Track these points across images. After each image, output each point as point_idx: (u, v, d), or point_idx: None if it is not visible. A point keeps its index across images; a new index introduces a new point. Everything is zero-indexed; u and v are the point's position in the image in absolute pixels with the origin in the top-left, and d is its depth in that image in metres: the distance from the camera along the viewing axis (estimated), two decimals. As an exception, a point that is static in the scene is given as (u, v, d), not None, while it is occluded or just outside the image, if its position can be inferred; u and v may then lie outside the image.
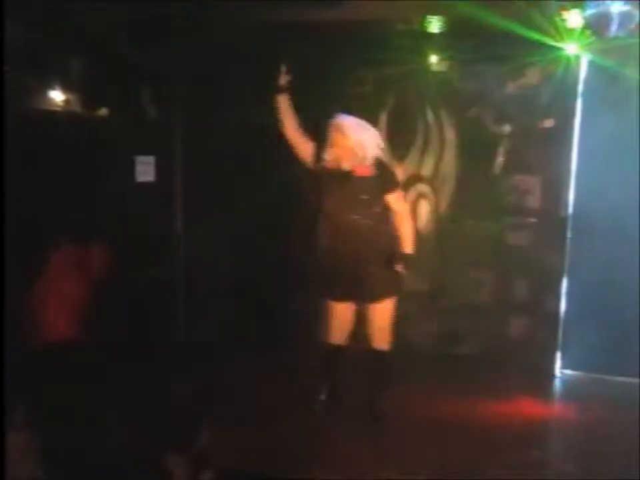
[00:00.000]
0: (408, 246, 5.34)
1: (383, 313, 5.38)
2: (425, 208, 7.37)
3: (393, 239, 5.36)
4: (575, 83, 7.00)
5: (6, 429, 3.78)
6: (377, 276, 5.28)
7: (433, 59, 7.19)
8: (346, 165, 5.22)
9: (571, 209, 6.96)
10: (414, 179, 7.39)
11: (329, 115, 5.37)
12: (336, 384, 5.70)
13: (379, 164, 5.30)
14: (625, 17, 6.65)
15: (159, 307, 6.73)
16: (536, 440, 5.42)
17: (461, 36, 6.84)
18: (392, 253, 5.30)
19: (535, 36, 6.81)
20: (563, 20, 6.77)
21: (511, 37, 6.69)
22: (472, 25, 6.73)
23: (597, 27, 6.75)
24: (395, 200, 5.36)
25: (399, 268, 5.27)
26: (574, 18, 6.76)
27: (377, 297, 5.34)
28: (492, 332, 7.09)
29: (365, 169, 5.23)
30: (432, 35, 6.96)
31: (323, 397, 5.65)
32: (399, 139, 7.33)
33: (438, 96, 7.26)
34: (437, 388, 6.24)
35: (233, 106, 7.16)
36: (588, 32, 6.78)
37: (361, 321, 5.56)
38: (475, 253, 7.17)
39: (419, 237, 7.17)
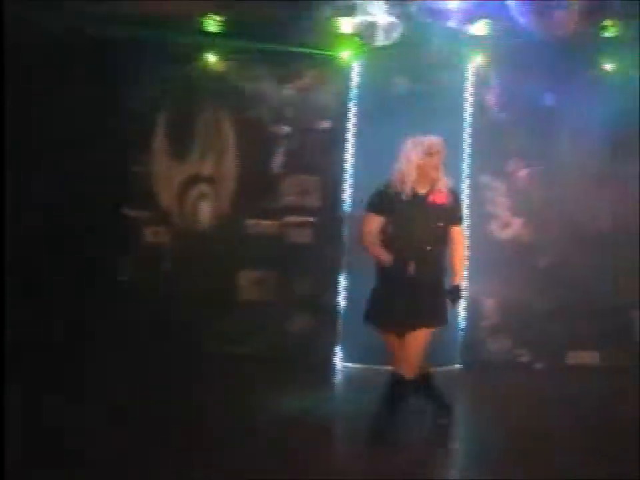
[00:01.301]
0: (460, 278, 5.07)
1: (418, 340, 4.97)
2: (206, 208, 7.34)
3: (446, 270, 5.05)
4: (349, 87, 7.31)
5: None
6: (429, 305, 4.94)
7: (212, 58, 7.19)
8: (421, 189, 4.93)
9: (348, 208, 7.26)
10: (194, 179, 7.35)
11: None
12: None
13: (453, 194, 5.03)
14: (389, 27, 7.03)
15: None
16: (320, 432, 5.53)
17: (239, 37, 6.92)
18: (442, 283, 5.01)
19: (311, 40, 7.04)
20: (336, 27, 7.05)
21: (289, 40, 6.88)
22: (250, 26, 6.85)
23: (365, 34, 7.08)
24: (459, 233, 5.08)
25: (450, 299, 5.01)
26: (345, 25, 7.05)
27: (419, 325, 4.94)
28: (275, 329, 7.19)
29: (441, 196, 4.93)
30: (211, 34, 6.97)
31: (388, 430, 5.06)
32: (179, 139, 7.27)
33: (217, 96, 7.27)
34: (224, 388, 6.23)
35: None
36: (358, 39, 7.10)
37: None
38: (256, 251, 7.25)
39: (203, 235, 7.29)
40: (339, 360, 7.22)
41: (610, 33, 7.04)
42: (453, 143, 7.27)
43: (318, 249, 7.24)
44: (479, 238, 7.24)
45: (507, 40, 6.99)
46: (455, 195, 5.05)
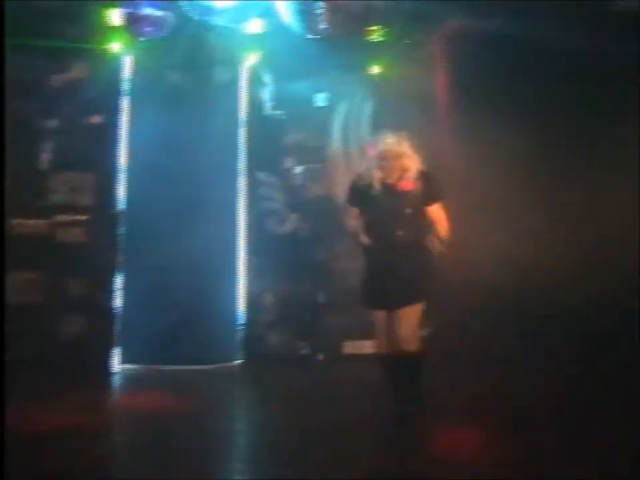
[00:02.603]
0: (444, 232, 5.28)
1: (410, 317, 5.24)
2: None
3: (429, 249, 5.30)
4: (120, 81, 7.11)
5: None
6: (408, 284, 5.22)
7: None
8: (389, 180, 5.20)
9: (123, 205, 7.05)
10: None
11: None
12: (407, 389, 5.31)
13: (423, 176, 5.25)
14: (159, 21, 6.93)
15: None
16: (100, 437, 5.30)
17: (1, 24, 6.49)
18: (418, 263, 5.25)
19: (79, 32, 6.78)
20: (105, 18, 6.84)
21: (56, 31, 6.58)
22: (15, 14, 6.45)
23: (133, 27, 6.93)
24: (436, 210, 5.30)
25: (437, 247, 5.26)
26: (114, 17, 6.86)
27: (404, 304, 5.23)
28: (47, 333, 6.80)
29: (409, 183, 5.21)
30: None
31: (400, 406, 5.26)
32: None
33: (-24, 86, 6.77)
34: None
35: None
36: (127, 32, 6.94)
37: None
38: (24, 252, 6.81)
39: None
40: (116, 362, 7.00)
41: (376, 37, 7.40)
42: (229, 140, 7.39)
43: (91, 248, 6.96)
44: (257, 234, 7.36)
45: (280, 39, 7.13)
46: (427, 177, 5.28)
